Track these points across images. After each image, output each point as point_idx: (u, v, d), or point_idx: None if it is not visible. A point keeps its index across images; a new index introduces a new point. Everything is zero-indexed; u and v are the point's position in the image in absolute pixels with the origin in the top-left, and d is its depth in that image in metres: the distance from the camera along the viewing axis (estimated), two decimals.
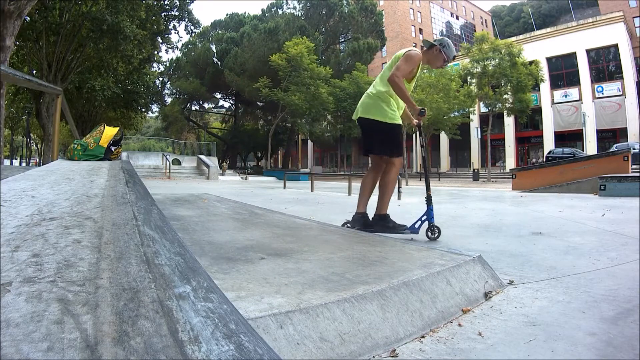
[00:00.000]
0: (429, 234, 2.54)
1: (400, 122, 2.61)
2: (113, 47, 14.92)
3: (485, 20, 57.24)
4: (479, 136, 24.04)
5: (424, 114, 2.57)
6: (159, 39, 19.69)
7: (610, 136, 24.32)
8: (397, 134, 2.59)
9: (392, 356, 1.01)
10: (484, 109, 25.56)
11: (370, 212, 2.70)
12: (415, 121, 2.75)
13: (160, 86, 32.26)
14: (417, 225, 2.59)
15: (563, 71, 27.11)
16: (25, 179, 1.84)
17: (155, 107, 33.48)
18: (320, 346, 0.95)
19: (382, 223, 2.60)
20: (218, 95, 38.90)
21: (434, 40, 2.68)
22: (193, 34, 24.88)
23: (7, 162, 25.31)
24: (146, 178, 13.19)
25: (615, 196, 5.39)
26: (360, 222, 2.62)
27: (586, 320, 1.20)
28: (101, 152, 4.33)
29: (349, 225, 2.66)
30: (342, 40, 34.08)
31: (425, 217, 2.59)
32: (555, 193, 6.96)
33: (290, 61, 23.20)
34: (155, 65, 26.57)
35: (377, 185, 2.71)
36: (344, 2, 30.74)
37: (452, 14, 52.28)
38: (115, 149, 4.56)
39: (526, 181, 8.77)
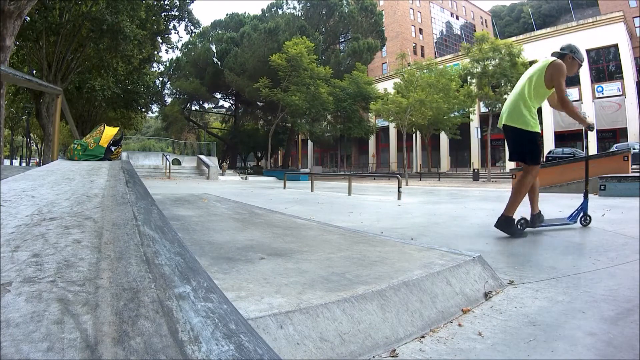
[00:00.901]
0: (582, 221, 2.92)
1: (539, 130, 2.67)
2: (113, 47, 14.91)
3: (485, 20, 57.25)
4: (479, 136, 24.02)
5: (592, 129, 2.82)
6: (159, 39, 19.68)
7: (610, 136, 24.31)
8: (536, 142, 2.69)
9: (392, 356, 1.01)
10: (484, 109, 25.55)
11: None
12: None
13: (160, 86, 32.27)
14: (574, 215, 2.95)
15: None
16: (25, 179, 1.84)
17: (155, 107, 33.50)
18: (320, 346, 0.95)
19: (505, 224, 2.67)
20: (218, 95, 38.91)
21: (562, 49, 2.78)
22: (193, 34, 24.87)
23: (7, 162, 25.32)
24: (146, 178, 13.19)
25: (615, 196, 5.39)
26: (534, 220, 2.82)
27: (586, 320, 1.20)
28: (101, 152, 4.33)
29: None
30: (342, 40, 34.10)
31: (581, 207, 2.96)
32: (555, 193, 6.96)
33: (290, 61, 23.20)
34: (155, 65, 26.57)
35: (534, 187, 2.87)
36: (344, 2, 30.74)
37: (452, 14, 52.30)
38: (115, 149, 4.56)
39: None
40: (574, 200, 5.14)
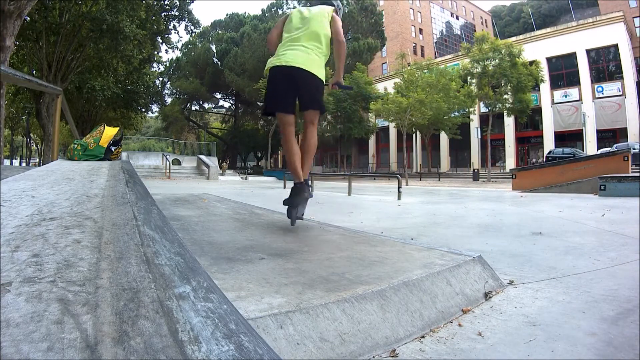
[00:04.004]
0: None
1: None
2: (113, 47, 14.92)
3: (485, 20, 57.26)
4: (479, 136, 24.02)
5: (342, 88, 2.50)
6: (159, 39, 19.68)
7: (610, 136, 24.30)
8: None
9: (392, 356, 1.01)
10: (484, 109, 25.55)
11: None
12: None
13: (160, 86, 32.28)
14: None
15: (563, 71, 27.10)
16: (25, 179, 1.84)
17: (155, 107, 33.48)
18: (320, 346, 0.95)
19: (302, 189, 2.29)
20: (218, 95, 38.94)
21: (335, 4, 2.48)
22: (193, 34, 24.87)
23: (7, 162, 25.32)
24: (146, 178, 13.19)
25: (615, 196, 5.39)
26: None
27: (586, 320, 1.20)
28: (101, 152, 4.33)
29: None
30: None
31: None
32: (555, 193, 6.96)
33: None
34: (155, 65, 26.58)
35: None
36: (344, 2, 30.74)
37: (452, 14, 52.30)
38: (115, 149, 4.56)
39: (526, 181, 8.76)
40: (574, 200, 5.15)
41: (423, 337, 1.11)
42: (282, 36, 2.39)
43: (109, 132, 4.55)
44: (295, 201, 2.26)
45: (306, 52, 2.24)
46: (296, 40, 2.28)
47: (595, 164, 7.83)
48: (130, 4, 14.47)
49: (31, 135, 34.54)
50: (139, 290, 0.62)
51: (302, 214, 2.40)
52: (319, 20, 2.34)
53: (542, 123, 27.60)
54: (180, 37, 52.28)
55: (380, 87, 31.01)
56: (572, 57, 26.27)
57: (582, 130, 24.18)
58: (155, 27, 17.51)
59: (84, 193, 1.50)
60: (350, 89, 2.61)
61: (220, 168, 20.65)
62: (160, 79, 33.03)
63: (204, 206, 3.51)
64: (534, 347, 1.03)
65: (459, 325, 1.20)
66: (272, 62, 2.27)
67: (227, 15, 36.89)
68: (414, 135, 29.61)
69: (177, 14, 18.43)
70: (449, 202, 5.65)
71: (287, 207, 2.29)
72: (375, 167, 36.89)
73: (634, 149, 15.24)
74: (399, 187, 6.45)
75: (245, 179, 18.15)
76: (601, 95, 25.18)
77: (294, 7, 32.17)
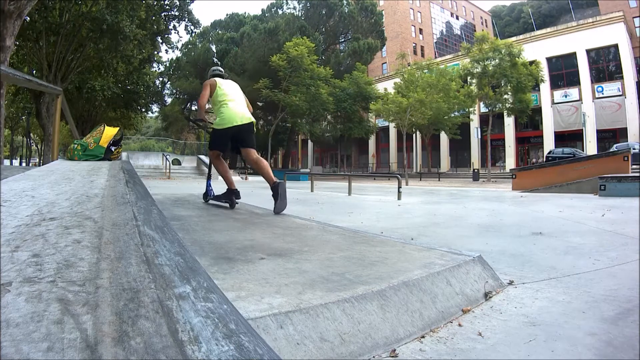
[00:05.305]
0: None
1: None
2: (113, 47, 14.91)
3: (485, 20, 57.25)
4: (479, 136, 24.02)
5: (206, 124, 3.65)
6: (159, 39, 19.67)
7: (610, 136, 24.28)
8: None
9: (392, 356, 1.01)
10: (484, 109, 25.53)
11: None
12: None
13: (160, 86, 32.24)
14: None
15: (563, 71, 27.10)
16: (25, 179, 1.84)
17: (155, 107, 33.48)
18: (320, 346, 0.95)
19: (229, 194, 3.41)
20: None
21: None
22: (193, 34, 24.87)
23: (7, 162, 25.32)
24: (146, 178, 13.18)
25: (615, 196, 5.39)
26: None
27: (586, 320, 1.20)
28: (101, 152, 4.33)
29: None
30: (342, 40, 34.09)
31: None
32: (555, 193, 6.96)
33: (290, 62, 23.20)
34: (155, 65, 26.59)
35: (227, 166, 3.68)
36: (344, 2, 30.74)
37: (452, 14, 52.29)
38: (115, 149, 4.56)
39: (526, 181, 8.76)
40: (574, 200, 5.15)
41: (423, 337, 1.11)
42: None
43: (109, 132, 4.55)
44: (282, 194, 3.17)
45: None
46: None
47: (595, 164, 7.82)
48: (130, 4, 14.46)
49: (31, 135, 34.52)
50: (139, 290, 0.62)
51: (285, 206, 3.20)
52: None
53: (542, 123, 27.60)
54: (180, 37, 52.28)
55: (380, 87, 31.00)
56: (572, 57, 26.26)
57: (582, 130, 24.19)
58: (155, 27, 17.50)
59: (84, 193, 1.50)
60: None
61: None
62: (160, 79, 32.99)
63: (204, 206, 3.51)
64: (534, 347, 1.03)
65: (459, 325, 1.20)
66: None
67: (227, 15, 36.86)
68: (414, 135, 29.61)
69: (177, 14, 18.42)
70: (449, 202, 5.65)
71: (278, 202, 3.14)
72: (375, 167, 36.89)
73: (634, 149, 15.22)
74: (399, 187, 6.45)
75: (245, 178, 18.14)
76: (601, 95, 25.17)
77: (294, 7, 32.32)
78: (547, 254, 2.10)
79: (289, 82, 24.08)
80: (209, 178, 3.84)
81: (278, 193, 3.12)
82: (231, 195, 3.37)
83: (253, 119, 3.36)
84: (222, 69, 3.68)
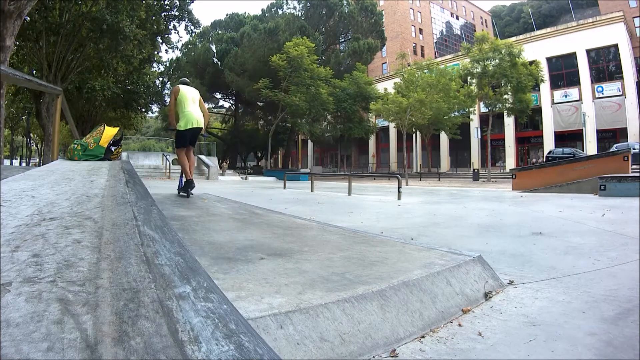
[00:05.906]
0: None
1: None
2: (113, 47, 14.91)
3: (485, 20, 57.23)
4: (479, 136, 24.00)
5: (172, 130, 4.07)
6: (159, 39, 19.67)
7: (610, 136, 24.27)
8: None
9: (392, 356, 1.01)
10: (484, 109, 25.52)
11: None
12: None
13: (160, 86, 32.22)
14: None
15: (563, 71, 27.09)
16: (25, 179, 1.84)
17: (155, 107, 33.41)
18: (320, 346, 0.95)
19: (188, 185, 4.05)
20: (218, 95, 38.90)
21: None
22: (193, 34, 24.86)
23: (7, 162, 25.32)
24: (146, 178, 13.18)
25: (615, 196, 5.38)
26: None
27: (586, 320, 1.20)
28: (101, 152, 4.33)
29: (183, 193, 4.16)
30: (342, 40, 34.08)
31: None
32: (555, 193, 6.96)
33: (290, 62, 23.20)
34: (155, 65, 26.56)
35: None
36: (344, 2, 30.72)
37: (452, 14, 52.28)
38: (115, 149, 4.56)
39: (526, 181, 8.76)
40: (574, 200, 5.15)
41: (423, 337, 1.11)
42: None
43: (109, 132, 4.55)
44: (188, 188, 4.05)
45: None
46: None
47: (595, 164, 7.82)
48: (130, 4, 14.46)
49: (31, 135, 34.52)
50: (139, 290, 0.62)
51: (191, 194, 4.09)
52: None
53: (542, 123, 27.59)
54: (180, 37, 52.22)
55: (380, 87, 30.99)
56: (572, 57, 26.25)
57: (582, 130, 24.18)
58: (155, 27, 17.50)
59: (84, 193, 1.50)
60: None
61: (220, 168, 20.65)
62: (160, 79, 32.97)
63: (204, 206, 3.51)
64: (534, 347, 1.03)
65: (459, 325, 1.20)
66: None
67: (227, 15, 36.84)
68: (414, 135, 29.60)
69: (177, 14, 18.41)
70: (449, 202, 5.64)
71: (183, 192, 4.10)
72: (375, 167, 36.88)
73: (634, 149, 15.21)
74: (399, 187, 6.45)
75: (245, 179, 18.14)
76: (601, 95, 25.16)
77: (294, 7, 32.31)
78: (547, 254, 2.10)
79: (289, 82, 24.08)
80: (181, 175, 4.35)
81: (189, 186, 3.99)
82: (187, 186, 4.02)
83: (202, 125, 4.01)
84: (187, 79, 4.29)
